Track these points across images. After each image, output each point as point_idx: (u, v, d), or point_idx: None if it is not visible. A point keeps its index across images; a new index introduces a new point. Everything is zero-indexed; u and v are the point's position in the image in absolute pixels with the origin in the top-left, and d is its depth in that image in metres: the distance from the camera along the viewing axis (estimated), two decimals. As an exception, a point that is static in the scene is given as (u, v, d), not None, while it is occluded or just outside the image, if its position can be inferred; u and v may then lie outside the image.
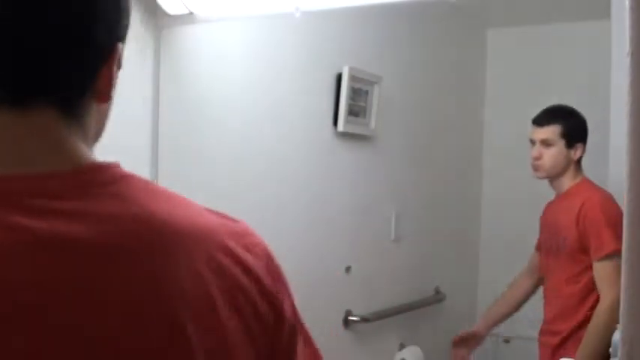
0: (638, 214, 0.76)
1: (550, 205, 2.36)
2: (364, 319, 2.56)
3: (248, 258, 0.76)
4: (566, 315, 2.23)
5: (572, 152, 2.27)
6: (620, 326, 0.78)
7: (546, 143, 2.28)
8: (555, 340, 2.24)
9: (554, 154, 2.26)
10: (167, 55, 2.14)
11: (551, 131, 2.27)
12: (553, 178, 2.31)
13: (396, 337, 2.54)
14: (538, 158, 2.29)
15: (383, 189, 2.72)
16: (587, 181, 2.29)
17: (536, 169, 2.31)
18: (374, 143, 2.76)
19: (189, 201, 0.77)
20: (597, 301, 2.17)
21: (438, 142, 2.98)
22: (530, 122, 2.96)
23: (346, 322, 2.56)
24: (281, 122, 2.38)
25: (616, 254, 2.06)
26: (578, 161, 2.30)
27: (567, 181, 2.29)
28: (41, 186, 0.66)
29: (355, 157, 2.69)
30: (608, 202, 2.13)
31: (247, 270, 0.75)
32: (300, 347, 0.84)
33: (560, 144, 2.26)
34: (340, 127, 2.51)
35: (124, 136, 2.03)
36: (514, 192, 2.93)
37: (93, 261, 0.64)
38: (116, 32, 0.75)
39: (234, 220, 0.81)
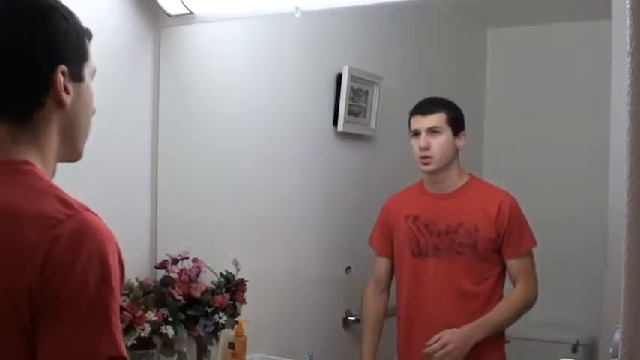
0: (638, 214, 0.76)
1: (425, 203, 2.22)
2: (364, 319, 2.56)
3: (23, 234, 0.92)
4: (474, 315, 2.12)
5: (457, 141, 2.17)
6: (620, 326, 0.78)
7: (434, 131, 2.14)
8: None
9: (443, 142, 2.14)
10: (167, 54, 2.14)
11: (438, 119, 2.15)
12: (439, 170, 2.17)
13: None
14: (427, 148, 2.14)
15: (383, 189, 2.71)
16: (478, 178, 2.25)
17: (426, 162, 2.16)
18: (374, 143, 2.76)
19: (42, 192, 0.98)
20: (501, 297, 2.16)
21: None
22: (529, 122, 2.97)
23: (346, 322, 2.56)
24: (281, 122, 2.38)
25: (531, 250, 2.15)
26: (458, 153, 2.20)
27: (454, 176, 2.19)
28: None
29: (355, 157, 2.69)
30: (517, 202, 2.16)
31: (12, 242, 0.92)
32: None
33: (448, 131, 2.15)
34: (340, 127, 2.51)
35: (124, 134, 2.04)
36: (514, 191, 2.93)
37: None
38: (58, 55, 1.00)
39: (65, 207, 0.96)
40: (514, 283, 2.16)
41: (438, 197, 2.21)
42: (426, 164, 2.16)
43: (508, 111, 3.06)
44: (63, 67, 1.01)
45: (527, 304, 2.14)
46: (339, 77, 2.50)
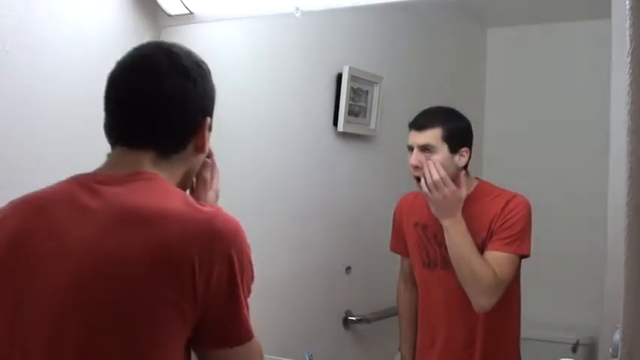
0: (638, 214, 0.76)
1: (432, 212, 2.01)
2: (364, 320, 2.56)
3: (164, 234, 1.03)
4: (484, 330, 2.01)
5: (457, 158, 1.99)
6: (620, 326, 0.79)
7: (427, 149, 1.98)
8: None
9: (436, 160, 1.96)
10: (167, 55, 2.14)
11: (432, 135, 1.98)
12: None
13: (396, 338, 2.54)
14: (418, 166, 1.99)
15: (383, 189, 2.72)
16: (488, 183, 2.08)
17: (420, 186, 1.98)
18: (374, 143, 2.76)
19: (170, 194, 1.10)
20: (517, 315, 2.05)
21: (438, 142, 2.97)
22: (529, 122, 2.97)
23: (346, 322, 2.56)
24: (281, 122, 2.39)
25: (523, 257, 1.97)
26: (465, 168, 2.02)
27: (461, 190, 1.98)
28: (104, 179, 1.12)
29: (355, 157, 2.69)
30: (530, 206, 1.98)
31: (160, 242, 1.03)
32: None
33: (444, 149, 1.97)
34: (340, 127, 2.51)
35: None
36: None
37: (89, 218, 1.07)
38: (204, 109, 1.18)
39: (203, 205, 1.11)
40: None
41: None
42: (420, 187, 2.00)
43: (508, 111, 3.06)
44: (209, 120, 1.19)
45: (485, 281, 1.91)
46: (339, 77, 2.50)
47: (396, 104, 2.74)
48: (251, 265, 1.11)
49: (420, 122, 2.04)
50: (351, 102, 2.54)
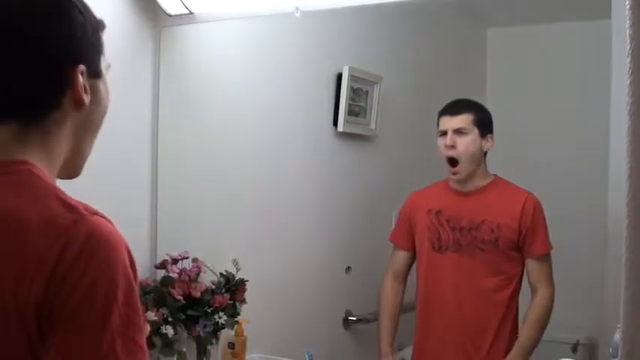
0: (638, 214, 0.76)
1: (449, 198, 2.24)
2: (364, 320, 2.56)
3: (32, 239, 0.85)
4: (490, 310, 2.17)
5: (484, 142, 2.20)
6: (620, 326, 0.78)
7: (460, 132, 2.18)
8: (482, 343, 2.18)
9: (469, 141, 2.17)
10: (167, 54, 2.14)
11: (465, 119, 2.18)
12: (468, 176, 2.20)
13: (396, 338, 2.54)
14: (452, 146, 2.17)
15: (383, 189, 2.72)
16: (503, 178, 2.26)
17: (455, 172, 2.18)
18: (374, 143, 2.76)
19: (42, 194, 0.90)
20: (516, 292, 2.20)
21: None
22: (529, 122, 2.97)
23: (346, 322, 2.56)
24: (281, 122, 2.38)
25: (549, 253, 2.19)
26: (484, 156, 2.24)
27: (480, 176, 2.22)
28: None
29: (355, 157, 2.69)
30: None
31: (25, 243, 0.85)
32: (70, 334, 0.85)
33: (475, 132, 2.18)
34: (340, 127, 2.51)
35: (124, 135, 2.03)
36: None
37: None
38: (74, 55, 0.94)
39: (69, 211, 0.89)
40: (533, 288, 2.18)
41: (462, 194, 2.23)
42: (454, 174, 2.19)
43: (508, 111, 3.06)
44: (82, 67, 0.95)
45: (549, 314, 2.18)
46: (339, 77, 2.50)
47: (396, 104, 2.74)
48: (130, 298, 0.87)
49: (453, 109, 2.22)
50: (351, 102, 2.54)
